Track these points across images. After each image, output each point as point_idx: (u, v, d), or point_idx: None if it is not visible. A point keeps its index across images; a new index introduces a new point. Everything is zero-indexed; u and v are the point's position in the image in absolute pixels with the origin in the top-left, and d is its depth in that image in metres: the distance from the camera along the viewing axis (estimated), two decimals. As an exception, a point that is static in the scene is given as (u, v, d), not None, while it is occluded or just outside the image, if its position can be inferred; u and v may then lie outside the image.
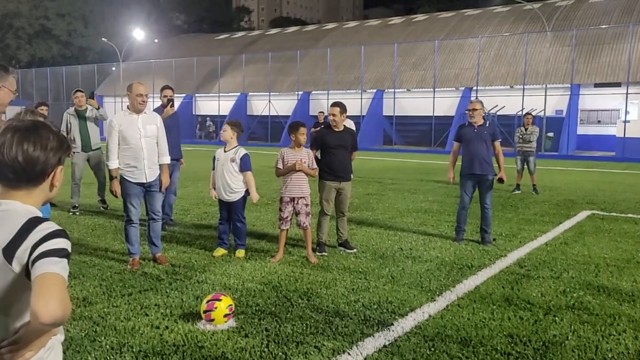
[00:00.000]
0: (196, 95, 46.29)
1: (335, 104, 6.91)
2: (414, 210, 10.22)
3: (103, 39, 52.12)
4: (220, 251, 6.72)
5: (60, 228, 1.68)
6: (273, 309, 4.82)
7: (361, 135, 34.38)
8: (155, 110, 8.09)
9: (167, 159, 6.29)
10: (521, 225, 8.87)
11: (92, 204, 10.26)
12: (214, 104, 43.63)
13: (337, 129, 6.91)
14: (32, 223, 1.66)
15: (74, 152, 9.55)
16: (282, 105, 39.79)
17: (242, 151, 6.69)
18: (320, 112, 17.86)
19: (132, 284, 5.49)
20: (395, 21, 46.77)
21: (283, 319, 4.56)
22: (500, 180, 7.63)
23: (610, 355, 3.99)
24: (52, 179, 1.79)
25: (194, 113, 45.43)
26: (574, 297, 5.26)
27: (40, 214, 1.74)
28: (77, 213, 9.46)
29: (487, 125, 7.70)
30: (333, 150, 6.83)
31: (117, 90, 45.61)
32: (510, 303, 5.07)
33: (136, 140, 5.94)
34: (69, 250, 1.66)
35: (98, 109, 9.67)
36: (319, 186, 6.94)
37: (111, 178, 6.10)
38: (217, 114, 42.36)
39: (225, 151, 6.70)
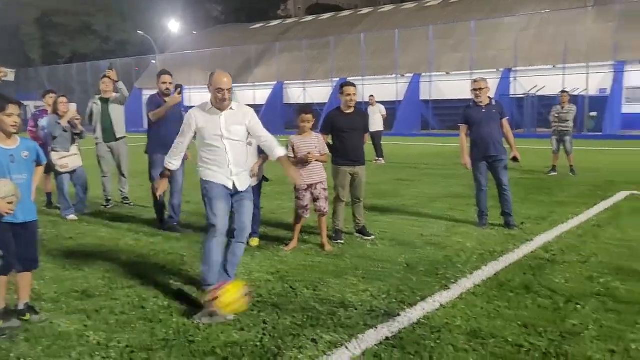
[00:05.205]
0: (233, 85, 46.29)
1: (350, 84, 6.65)
2: (445, 196, 9.84)
3: (139, 31, 52.60)
4: (253, 241, 6.54)
5: None
6: (276, 300, 4.61)
7: (398, 121, 33.91)
8: (151, 97, 7.81)
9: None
10: (553, 207, 8.41)
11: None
12: (250, 94, 43.60)
13: (347, 111, 6.62)
14: None
15: (96, 144, 9.36)
16: (318, 92, 39.34)
17: None
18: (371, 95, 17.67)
19: (138, 274, 5.36)
20: (431, 3, 45.72)
21: (284, 311, 4.35)
22: (515, 159, 7.23)
23: (634, 347, 3.64)
24: None
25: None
26: (601, 283, 4.88)
27: None
28: (110, 206, 9.20)
29: (494, 103, 7.34)
30: (344, 134, 6.54)
31: (155, 83, 46.01)
32: (530, 290, 4.73)
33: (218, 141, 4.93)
34: None
35: (117, 82, 9.12)
36: (332, 172, 6.67)
37: (163, 176, 5.08)
38: (253, 103, 42.31)
39: None
